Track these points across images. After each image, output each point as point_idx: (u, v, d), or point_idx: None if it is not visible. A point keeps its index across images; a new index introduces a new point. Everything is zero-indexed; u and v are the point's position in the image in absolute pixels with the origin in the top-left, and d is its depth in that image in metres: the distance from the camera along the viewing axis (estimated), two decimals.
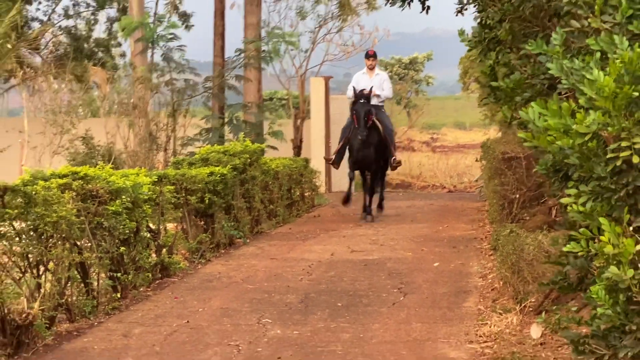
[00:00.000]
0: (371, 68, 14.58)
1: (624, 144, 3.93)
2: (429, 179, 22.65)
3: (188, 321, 7.30)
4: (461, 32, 6.18)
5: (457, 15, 6.94)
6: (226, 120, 19.50)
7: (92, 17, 29.25)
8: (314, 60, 21.97)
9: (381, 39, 22.79)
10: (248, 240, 11.92)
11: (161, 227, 9.47)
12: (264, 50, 19.81)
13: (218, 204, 11.05)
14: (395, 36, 25.85)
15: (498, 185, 11.73)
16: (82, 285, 7.63)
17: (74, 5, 29.05)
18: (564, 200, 4.23)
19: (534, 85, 5.46)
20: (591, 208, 4.04)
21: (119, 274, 8.10)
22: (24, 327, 6.34)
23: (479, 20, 6.72)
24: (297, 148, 20.15)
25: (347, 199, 14.53)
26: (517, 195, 11.41)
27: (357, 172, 14.80)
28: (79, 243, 7.53)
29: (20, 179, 7.23)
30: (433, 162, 24.67)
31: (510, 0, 6.08)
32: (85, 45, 28.60)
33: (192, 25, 27.28)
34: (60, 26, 28.85)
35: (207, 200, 10.67)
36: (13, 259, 6.77)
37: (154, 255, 9.17)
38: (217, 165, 11.38)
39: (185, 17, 27.23)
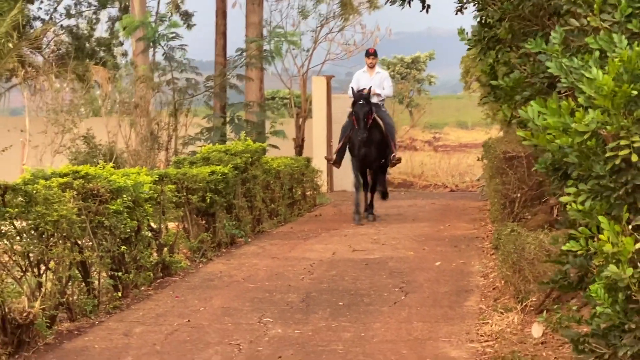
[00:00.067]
0: (371, 66, 14.50)
1: (622, 142, 3.92)
2: (431, 178, 22.64)
3: (189, 320, 7.30)
4: (461, 31, 6.18)
5: (456, 14, 6.93)
6: (228, 119, 19.51)
7: (94, 16, 29.31)
8: (316, 60, 22.04)
9: (383, 38, 22.83)
10: (249, 240, 11.92)
11: (162, 226, 9.48)
12: (265, 50, 19.82)
13: (219, 203, 11.05)
14: (397, 35, 25.87)
15: (499, 185, 11.73)
16: (83, 284, 7.64)
17: (75, 4, 29.11)
18: (563, 199, 4.23)
19: (534, 84, 5.46)
20: (590, 206, 4.04)
21: (120, 273, 8.11)
22: (24, 326, 6.34)
23: (478, 19, 6.71)
24: (299, 147, 20.16)
25: (357, 212, 13.90)
26: (519, 195, 11.41)
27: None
28: (79, 242, 7.53)
29: (21, 178, 7.24)
30: (435, 162, 24.66)
31: None
32: (87, 45, 28.63)
33: (194, 25, 27.32)
34: (62, 25, 28.90)
35: (208, 200, 10.67)
36: (14, 258, 6.78)
37: (155, 254, 9.17)
38: (219, 165, 11.38)
39: (186, 16, 27.26)
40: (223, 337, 6.73)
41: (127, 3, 26.87)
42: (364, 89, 13.80)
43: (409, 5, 7.66)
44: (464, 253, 10.56)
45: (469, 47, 6.61)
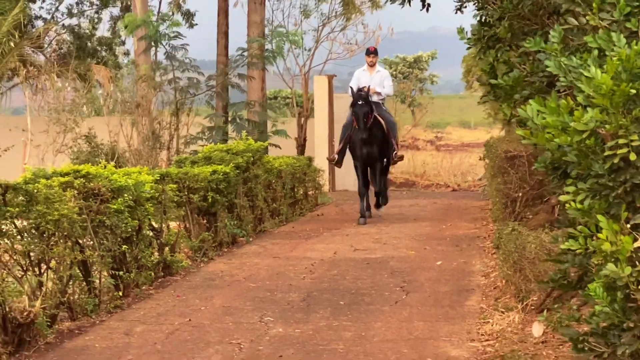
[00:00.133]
0: (372, 65, 14.44)
1: (621, 141, 3.93)
2: (433, 178, 22.62)
3: (190, 319, 7.31)
4: (460, 30, 6.18)
5: (456, 12, 6.94)
6: (229, 118, 19.52)
7: (96, 15, 29.34)
8: (318, 59, 22.01)
9: (385, 37, 22.81)
10: (251, 239, 11.93)
11: (164, 225, 9.49)
12: (267, 49, 19.82)
13: (221, 203, 11.06)
14: (399, 35, 25.89)
15: (501, 184, 11.72)
16: (84, 283, 7.65)
17: (77, 3, 29.12)
18: (562, 198, 4.23)
19: (533, 82, 5.46)
20: (589, 205, 4.04)
21: (121, 273, 8.12)
22: (25, 325, 6.35)
23: (478, 18, 6.72)
24: (301, 147, 20.17)
25: (362, 217, 13.86)
26: (520, 194, 11.40)
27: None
28: (80, 241, 7.54)
29: (22, 177, 7.24)
30: (437, 161, 24.65)
31: None
32: (89, 44, 28.64)
33: (196, 24, 27.29)
34: (63, 25, 28.92)
35: (209, 199, 10.68)
36: (15, 257, 6.79)
37: (156, 253, 9.17)
38: (220, 164, 11.39)
39: (188, 15, 27.25)
40: (224, 336, 6.74)
41: (128, 2, 26.90)
42: (364, 87, 13.76)
43: (409, 4, 7.67)
44: (465, 252, 10.56)
45: (468, 46, 6.61)
